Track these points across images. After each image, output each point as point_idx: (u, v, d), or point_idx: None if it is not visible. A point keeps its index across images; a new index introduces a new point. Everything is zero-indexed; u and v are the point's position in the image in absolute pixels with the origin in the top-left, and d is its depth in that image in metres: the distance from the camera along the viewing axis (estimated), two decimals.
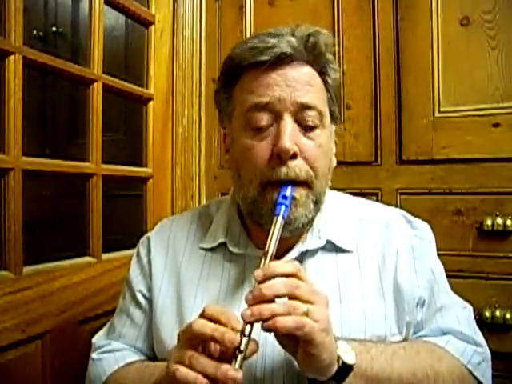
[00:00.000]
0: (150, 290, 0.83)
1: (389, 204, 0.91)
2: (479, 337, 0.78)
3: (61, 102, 1.74)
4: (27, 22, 1.03)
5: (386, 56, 1.36)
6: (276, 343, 0.62)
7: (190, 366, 0.56)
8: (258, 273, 0.59)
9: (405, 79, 1.34)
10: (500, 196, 1.22)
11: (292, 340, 0.59)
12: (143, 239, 0.89)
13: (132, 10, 1.37)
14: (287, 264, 0.62)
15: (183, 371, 0.56)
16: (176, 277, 0.81)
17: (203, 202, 1.54)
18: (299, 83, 0.70)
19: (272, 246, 0.63)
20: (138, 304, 0.84)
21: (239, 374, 0.55)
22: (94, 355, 0.84)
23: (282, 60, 0.70)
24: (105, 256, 1.23)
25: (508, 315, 1.17)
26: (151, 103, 1.45)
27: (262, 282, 0.58)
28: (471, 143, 1.25)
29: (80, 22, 1.70)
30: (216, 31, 1.57)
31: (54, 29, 1.72)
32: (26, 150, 1.01)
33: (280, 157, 0.68)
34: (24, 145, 1.00)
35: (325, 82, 0.75)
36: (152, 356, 0.83)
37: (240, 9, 1.54)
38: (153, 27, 1.46)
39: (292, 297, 0.58)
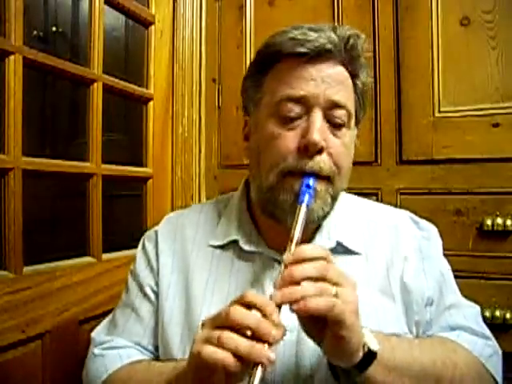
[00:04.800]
0: (156, 284, 0.81)
1: (389, 204, 0.91)
2: (488, 332, 0.79)
3: (61, 102, 1.75)
4: (27, 22, 1.03)
5: (386, 56, 1.36)
6: (286, 345, 0.61)
7: (219, 346, 0.53)
8: (288, 256, 0.58)
9: (405, 79, 1.33)
10: (500, 196, 1.22)
11: (317, 324, 0.58)
12: (150, 233, 0.88)
13: (132, 10, 1.37)
14: (316, 248, 0.62)
15: (209, 350, 0.53)
16: (184, 275, 0.80)
17: (203, 202, 1.53)
18: (334, 81, 0.70)
19: (297, 233, 0.63)
20: (145, 296, 0.82)
21: (273, 356, 0.53)
22: (95, 350, 0.81)
23: (320, 55, 0.70)
24: (105, 256, 1.23)
25: (508, 315, 1.17)
26: (151, 103, 1.45)
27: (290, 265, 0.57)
28: (471, 143, 1.25)
29: (80, 22, 1.70)
30: (216, 31, 1.57)
31: (54, 29, 1.72)
32: (26, 150, 1.01)
33: (307, 149, 0.68)
34: (24, 145, 1.00)
35: (355, 85, 0.75)
36: (158, 356, 0.80)
37: (240, 9, 1.54)
38: (153, 27, 1.45)
39: (321, 279, 0.57)
